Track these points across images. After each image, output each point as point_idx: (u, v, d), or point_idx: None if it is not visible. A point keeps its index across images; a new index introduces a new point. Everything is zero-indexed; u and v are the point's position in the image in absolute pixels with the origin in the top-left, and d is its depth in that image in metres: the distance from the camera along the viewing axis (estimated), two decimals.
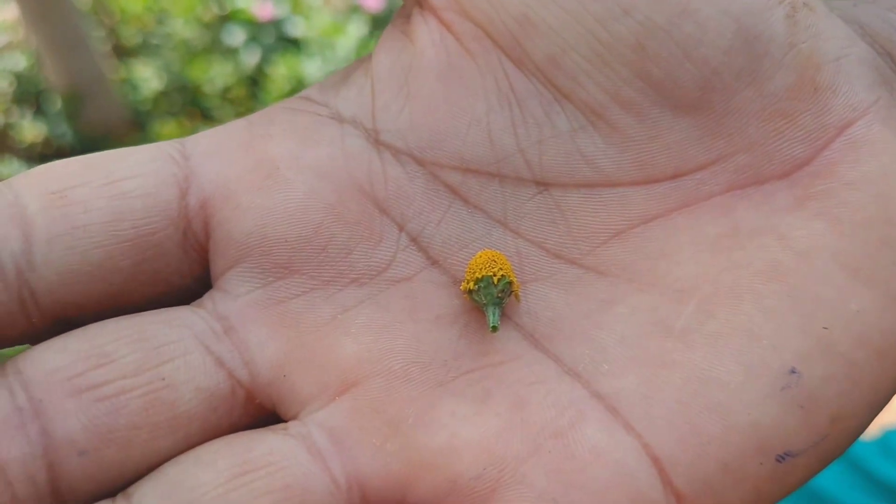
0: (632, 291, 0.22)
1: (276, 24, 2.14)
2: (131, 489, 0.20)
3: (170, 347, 0.21)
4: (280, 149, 0.23)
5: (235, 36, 2.12)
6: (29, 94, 2.01)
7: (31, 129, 1.94)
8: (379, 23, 2.19)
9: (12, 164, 1.86)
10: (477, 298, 0.22)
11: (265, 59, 2.10)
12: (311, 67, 2.02)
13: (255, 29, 2.13)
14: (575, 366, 0.21)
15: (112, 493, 0.20)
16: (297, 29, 2.12)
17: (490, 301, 0.22)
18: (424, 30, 0.23)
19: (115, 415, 0.20)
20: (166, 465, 0.20)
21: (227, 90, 2.07)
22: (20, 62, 2.03)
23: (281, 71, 2.03)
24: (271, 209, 0.22)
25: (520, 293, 0.22)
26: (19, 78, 2.01)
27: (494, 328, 0.21)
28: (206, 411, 0.21)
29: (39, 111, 2.00)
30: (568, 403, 0.21)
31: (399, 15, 0.25)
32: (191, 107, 2.07)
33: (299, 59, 2.05)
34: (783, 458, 0.20)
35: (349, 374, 0.21)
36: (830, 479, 0.55)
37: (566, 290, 0.22)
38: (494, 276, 0.21)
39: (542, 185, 0.23)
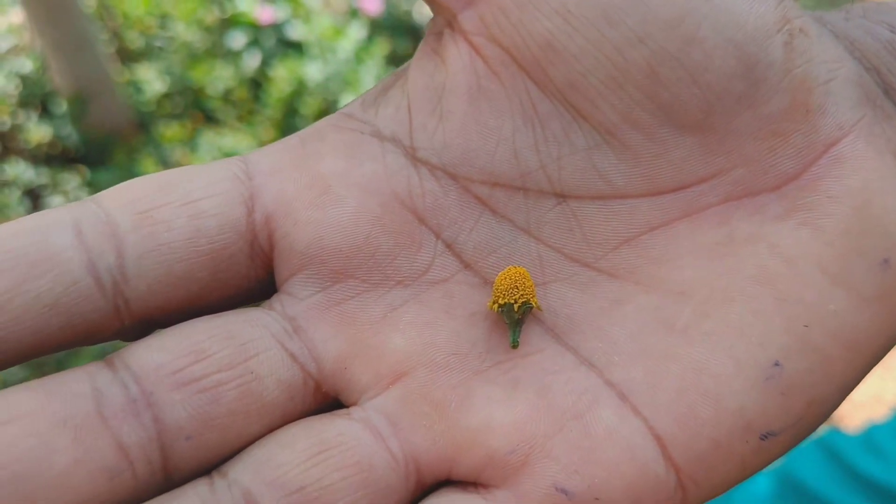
0: (639, 292, 0.25)
1: (277, 27, 2.16)
2: (224, 468, 0.22)
3: (253, 344, 0.23)
4: (331, 166, 0.25)
5: (237, 39, 2.14)
6: (34, 97, 2.03)
7: (37, 131, 1.95)
8: (378, 26, 2.21)
9: (19, 165, 1.88)
10: (501, 315, 0.25)
11: (266, 63, 2.12)
12: (312, 70, 2.04)
13: (257, 32, 2.15)
14: (590, 357, 0.24)
15: (207, 472, 0.23)
16: (297, 32, 2.14)
17: (511, 323, 0.24)
18: (455, 52, 0.25)
19: (215, 404, 0.22)
20: (253, 446, 0.23)
21: (228, 92, 2.09)
22: (26, 65, 2.04)
23: (282, 74, 2.05)
24: (327, 223, 0.25)
25: (539, 305, 0.25)
26: (25, 80, 2.02)
27: (514, 345, 0.24)
28: (285, 400, 0.23)
29: (45, 113, 2.02)
30: (585, 390, 0.23)
31: (430, 32, 0.27)
32: (193, 109, 2.09)
33: (300, 62, 2.07)
34: (766, 437, 0.23)
35: (399, 365, 0.24)
36: (814, 474, 0.57)
37: (581, 290, 0.25)
38: (516, 303, 0.24)
39: (561, 197, 0.25)
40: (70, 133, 1.96)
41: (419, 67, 0.26)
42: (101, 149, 1.95)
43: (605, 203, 0.25)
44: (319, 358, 0.24)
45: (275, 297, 0.25)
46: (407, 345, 0.24)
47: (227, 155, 1.92)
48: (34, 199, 1.88)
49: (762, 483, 0.60)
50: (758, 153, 0.24)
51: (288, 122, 2.05)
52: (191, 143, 2.00)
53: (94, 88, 1.91)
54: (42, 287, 0.22)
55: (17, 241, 0.22)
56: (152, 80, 2.07)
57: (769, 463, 0.24)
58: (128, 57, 2.16)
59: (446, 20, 0.26)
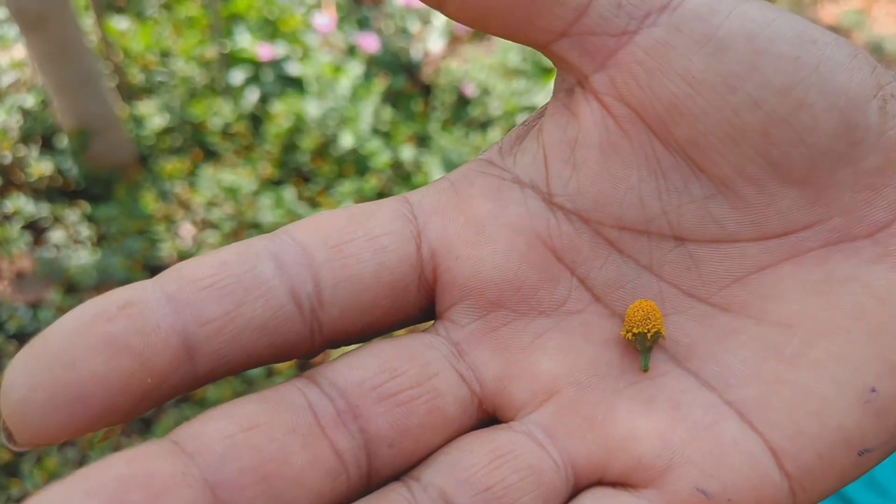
0: (750, 324, 0.28)
1: (277, 64, 2.19)
2: (415, 472, 0.25)
3: (433, 365, 0.26)
4: (482, 209, 0.28)
5: (237, 76, 2.17)
6: (36, 131, 2.03)
7: (38, 166, 1.96)
8: (375, 64, 2.25)
9: (20, 199, 1.88)
10: (633, 343, 0.28)
11: (265, 99, 2.15)
12: (311, 107, 2.07)
13: (257, 69, 2.18)
14: (709, 380, 0.27)
15: (396, 478, 0.25)
16: (296, 69, 2.17)
17: (642, 349, 0.28)
18: (587, 109, 0.29)
19: (410, 416, 0.25)
20: (438, 453, 0.26)
21: (228, 128, 2.12)
22: (28, 100, 2.06)
23: (281, 110, 2.08)
24: (483, 259, 0.28)
25: (665, 332, 0.28)
26: (27, 115, 2.04)
27: (645, 369, 0.27)
28: (460, 415, 0.26)
29: (47, 147, 2.02)
30: (710, 406, 0.27)
31: (560, 88, 0.30)
32: (193, 144, 2.10)
33: (299, 98, 2.10)
34: (862, 453, 0.26)
35: (550, 384, 0.27)
36: None
37: (698, 322, 0.28)
38: (648, 332, 0.27)
39: (680, 240, 0.29)
40: (71, 167, 1.96)
41: (552, 121, 0.30)
42: (102, 183, 1.96)
43: (718, 246, 0.29)
44: (481, 378, 0.27)
45: (438, 324, 0.28)
46: (555, 367, 0.27)
47: (228, 191, 1.95)
48: (35, 232, 1.89)
49: None
50: (854, 204, 0.28)
51: (287, 158, 2.07)
52: (191, 178, 2.02)
53: (98, 124, 1.92)
54: (256, 310, 0.25)
55: (230, 269, 0.25)
56: (153, 115, 2.09)
57: (862, 475, 0.27)
58: (129, 92, 2.18)
59: (577, 80, 0.29)
